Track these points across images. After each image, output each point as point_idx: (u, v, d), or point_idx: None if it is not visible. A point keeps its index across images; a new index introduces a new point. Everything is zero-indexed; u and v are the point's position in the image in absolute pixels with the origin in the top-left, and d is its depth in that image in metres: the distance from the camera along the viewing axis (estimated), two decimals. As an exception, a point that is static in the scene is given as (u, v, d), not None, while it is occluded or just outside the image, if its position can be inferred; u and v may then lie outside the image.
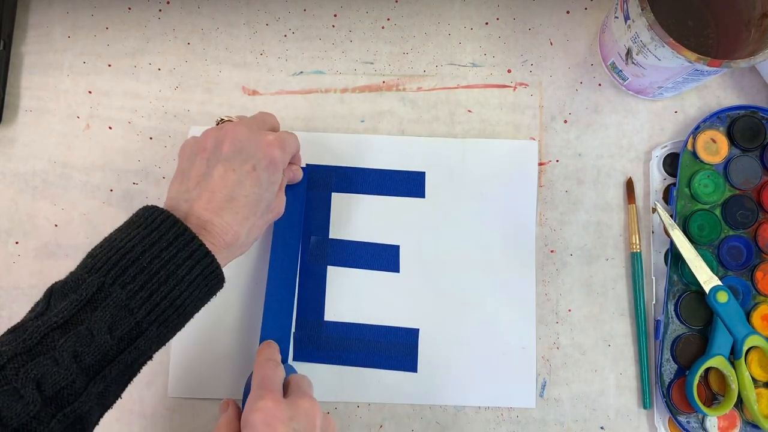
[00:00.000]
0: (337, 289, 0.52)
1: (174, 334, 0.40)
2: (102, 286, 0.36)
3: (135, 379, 0.51)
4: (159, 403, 0.51)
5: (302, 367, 0.51)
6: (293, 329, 0.52)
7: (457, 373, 0.51)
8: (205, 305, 0.42)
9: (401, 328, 0.52)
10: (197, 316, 0.51)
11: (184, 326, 0.40)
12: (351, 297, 0.52)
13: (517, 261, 0.52)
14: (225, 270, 0.51)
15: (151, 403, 0.51)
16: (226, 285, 0.51)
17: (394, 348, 0.52)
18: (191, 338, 0.51)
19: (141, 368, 0.39)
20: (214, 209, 0.41)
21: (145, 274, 0.37)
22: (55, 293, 0.37)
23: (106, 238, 0.39)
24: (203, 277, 0.39)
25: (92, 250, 0.38)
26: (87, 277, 0.37)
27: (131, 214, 0.40)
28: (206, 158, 0.43)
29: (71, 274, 0.38)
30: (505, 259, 0.52)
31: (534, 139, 0.54)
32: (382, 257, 0.52)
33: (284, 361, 0.50)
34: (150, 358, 0.39)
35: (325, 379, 0.51)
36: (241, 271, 0.52)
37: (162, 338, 0.39)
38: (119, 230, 0.39)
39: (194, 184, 0.42)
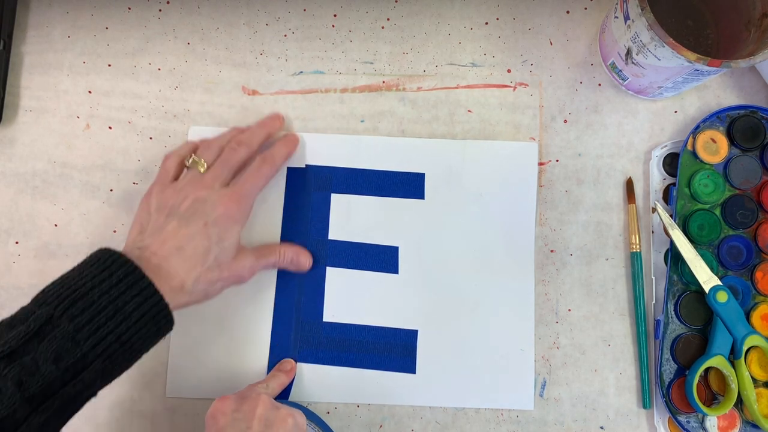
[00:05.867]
0: (335, 290, 0.52)
1: (120, 371, 0.40)
2: (50, 318, 0.37)
3: (135, 379, 0.51)
4: (158, 403, 0.51)
5: (301, 368, 0.51)
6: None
7: (456, 374, 0.51)
8: (157, 343, 0.42)
9: (400, 329, 0.52)
10: (199, 314, 0.51)
11: (131, 365, 0.41)
12: (350, 298, 0.52)
13: (516, 263, 0.52)
14: None
15: (150, 403, 0.51)
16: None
17: (392, 349, 0.52)
18: (189, 338, 0.51)
19: (83, 404, 0.39)
20: (163, 256, 0.43)
21: (94, 308, 0.38)
22: (2, 327, 0.37)
23: (59, 276, 0.40)
24: (151, 317, 0.40)
25: (45, 287, 0.39)
26: (36, 310, 0.38)
27: (89, 256, 0.41)
28: (165, 214, 0.45)
29: (21, 308, 0.39)
30: (504, 261, 0.52)
31: (534, 140, 0.54)
32: (381, 258, 0.52)
33: (286, 396, 0.51)
34: (94, 394, 0.39)
35: (323, 380, 0.51)
36: None
37: (107, 374, 0.39)
38: (72, 269, 0.40)
39: (148, 235, 0.44)
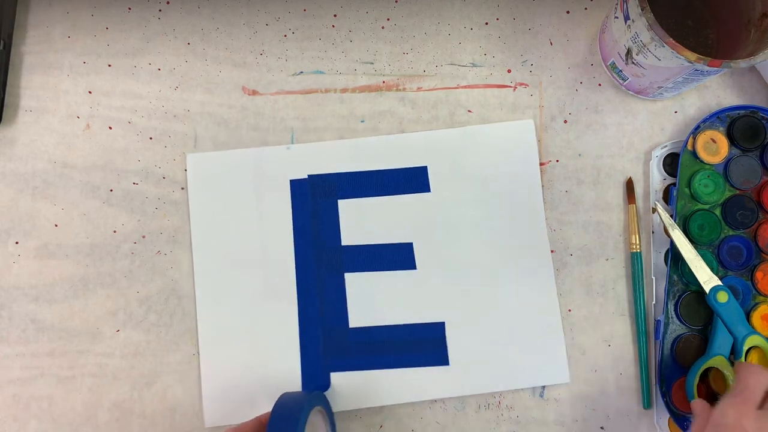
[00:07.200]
0: (357, 294, 0.52)
1: None
2: None
3: (135, 379, 0.51)
4: (159, 403, 0.51)
5: (335, 378, 0.51)
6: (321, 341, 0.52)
7: (489, 359, 0.51)
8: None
9: (427, 323, 0.52)
10: (225, 339, 0.50)
11: None
12: (372, 300, 0.52)
13: (529, 237, 0.52)
14: (252, 287, 0.51)
15: (151, 403, 0.51)
16: (253, 306, 0.51)
17: (422, 344, 0.51)
18: (219, 365, 0.51)
19: None
20: None
21: None
22: None
23: None
24: None
25: None
26: None
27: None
28: None
29: None
30: (517, 238, 0.52)
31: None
32: (397, 256, 0.52)
33: (323, 387, 0.50)
34: None
35: (358, 386, 0.51)
36: (270, 290, 0.52)
37: None
38: None
39: None
